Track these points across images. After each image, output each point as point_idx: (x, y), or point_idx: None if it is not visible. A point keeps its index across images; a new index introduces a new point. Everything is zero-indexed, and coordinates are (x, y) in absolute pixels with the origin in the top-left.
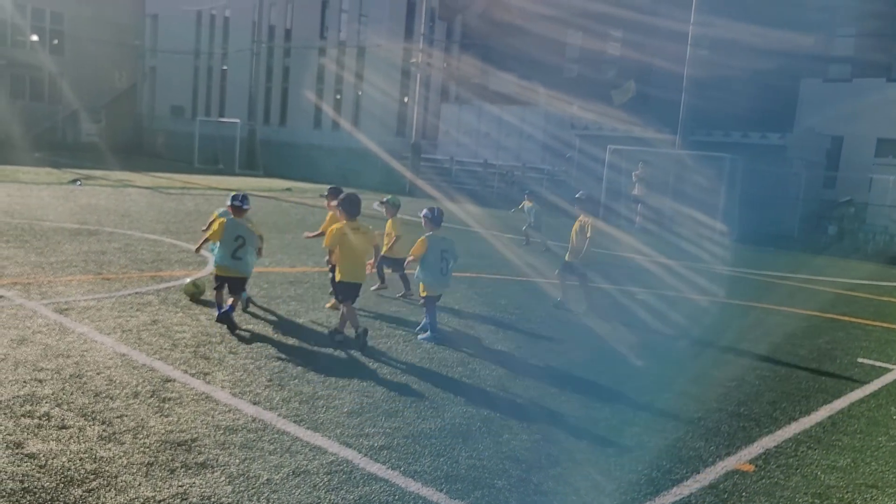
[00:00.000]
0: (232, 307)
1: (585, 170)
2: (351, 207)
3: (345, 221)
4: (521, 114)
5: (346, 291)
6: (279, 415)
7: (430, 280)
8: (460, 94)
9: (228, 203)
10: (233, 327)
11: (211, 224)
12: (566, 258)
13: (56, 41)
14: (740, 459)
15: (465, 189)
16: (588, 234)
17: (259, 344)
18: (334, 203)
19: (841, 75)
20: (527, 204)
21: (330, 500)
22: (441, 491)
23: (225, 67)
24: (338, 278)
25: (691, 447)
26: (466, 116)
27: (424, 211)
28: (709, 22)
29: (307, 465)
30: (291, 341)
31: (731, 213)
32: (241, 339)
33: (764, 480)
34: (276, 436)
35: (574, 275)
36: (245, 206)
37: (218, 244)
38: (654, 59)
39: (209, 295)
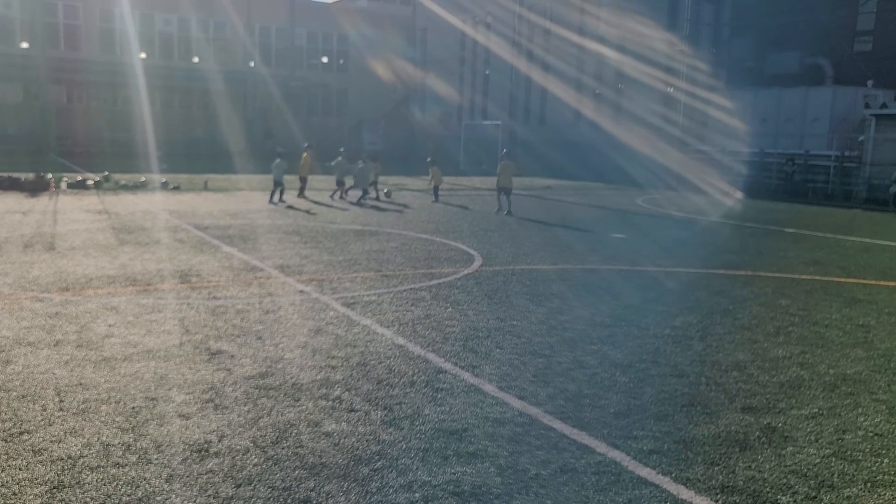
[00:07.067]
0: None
1: (883, 153)
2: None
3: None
4: (804, 96)
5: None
6: (545, 410)
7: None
8: (731, 80)
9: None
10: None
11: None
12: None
13: (342, 60)
14: None
15: (739, 181)
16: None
17: (523, 340)
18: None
19: None
20: None
21: (598, 500)
22: (716, 501)
23: (487, 72)
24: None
25: None
26: (739, 103)
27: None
28: None
29: (574, 464)
30: (553, 339)
31: None
32: (508, 333)
33: None
34: (543, 431)
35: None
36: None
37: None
38: None
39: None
